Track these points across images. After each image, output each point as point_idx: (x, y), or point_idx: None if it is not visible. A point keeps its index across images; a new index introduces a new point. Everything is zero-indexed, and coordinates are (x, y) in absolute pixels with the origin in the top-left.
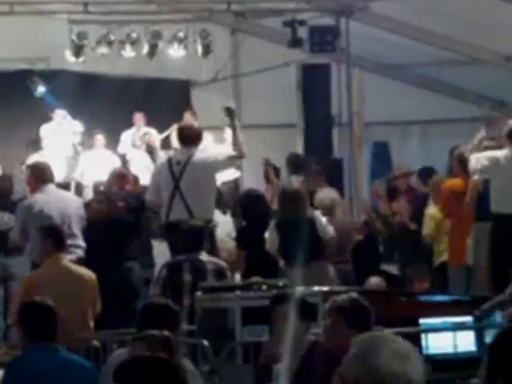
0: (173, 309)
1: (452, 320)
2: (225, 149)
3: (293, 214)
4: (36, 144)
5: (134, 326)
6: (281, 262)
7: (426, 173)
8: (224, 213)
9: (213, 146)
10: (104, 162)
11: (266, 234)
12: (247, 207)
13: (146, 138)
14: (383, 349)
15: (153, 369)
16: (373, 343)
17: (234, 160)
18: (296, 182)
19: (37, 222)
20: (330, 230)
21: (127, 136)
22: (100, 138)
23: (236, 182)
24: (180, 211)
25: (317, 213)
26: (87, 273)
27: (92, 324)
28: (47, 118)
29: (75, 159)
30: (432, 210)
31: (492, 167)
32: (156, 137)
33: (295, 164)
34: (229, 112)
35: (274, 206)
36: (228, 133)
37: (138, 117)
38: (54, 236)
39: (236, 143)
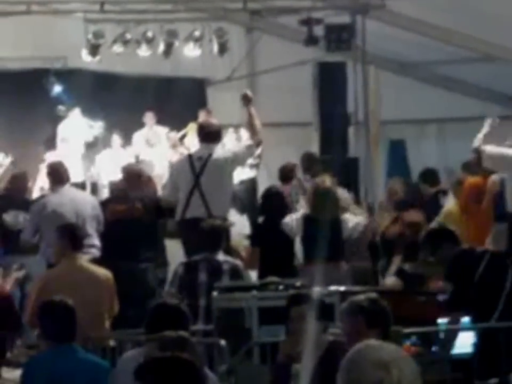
0: (181, 309)
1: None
2: (242, 142)
3: (321, 211)
4: (51, 143)
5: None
6: (299, 258)
7: (430, 175)
8: (240, 211)
9: (232, 144)
10: (121, 162)
11: (291, 218)
12: (265, 203)
13: (173, 137)
14: (364, 359)
15: (175, 368)
16: (356, 355)
17: (252, 150)
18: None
19: (49, 222)
20: (357, 229)
21: (139, 136)
22: (116, 139)
23: (252, 181)
24: (198, 208)
25: (346, 215)
26: (104, 273)
27: (107, 323)
28: (63, 117)
29: (88, 158)
30: (447, 207)
31: (506, 166)
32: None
33: (308, 163)
34: (246, 99)
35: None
36: (243, 132)
37: (150, 116)
38: (70, 235)
39: (253, 130)
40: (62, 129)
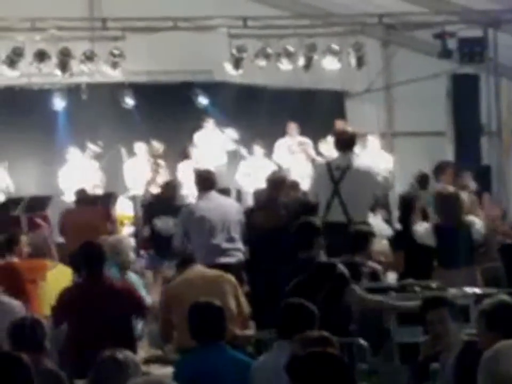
0: (309, 308)
1: None
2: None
3: (450, 217)
4: (185, 152)
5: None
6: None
7: None
8: (375, 214)
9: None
10: (262, 171)
11: (420, 226)
12: (404, 209)
13: (304, 148)
14: (507, 355)
15: (325, 363)
16: (499, 351)
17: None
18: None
19: (197, 228)
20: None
21: (280, 145)
22: (257, 149)
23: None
24: (338, 213)
25: (473, 218)
26: (221, 275)
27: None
28: (201, 127)
29: (228, 167)
30: None
31: None
32: (311, 147)
33: (437, 170)
34: None
35: None
36: (371, 140)
37: (292, 127)
38: None
39: None
40: (198, 137)
